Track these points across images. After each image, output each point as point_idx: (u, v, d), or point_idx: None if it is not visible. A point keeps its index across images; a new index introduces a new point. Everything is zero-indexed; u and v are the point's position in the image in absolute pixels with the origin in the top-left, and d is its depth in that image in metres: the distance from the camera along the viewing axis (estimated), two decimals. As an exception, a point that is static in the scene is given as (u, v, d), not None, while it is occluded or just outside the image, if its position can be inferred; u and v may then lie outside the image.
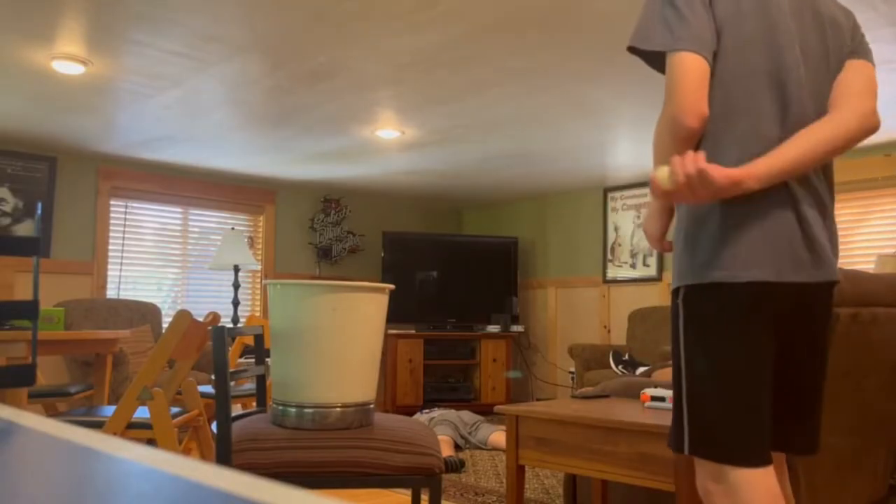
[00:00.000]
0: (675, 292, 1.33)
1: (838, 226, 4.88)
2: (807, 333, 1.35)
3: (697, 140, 1.29)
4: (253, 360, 4.37)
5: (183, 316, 2.44)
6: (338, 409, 1.68)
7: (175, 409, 2.88)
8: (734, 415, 1.23)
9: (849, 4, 2.62)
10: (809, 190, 1.32)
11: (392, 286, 1.78)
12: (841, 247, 4.86)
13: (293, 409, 1.68)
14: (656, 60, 1.34)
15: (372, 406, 1.80)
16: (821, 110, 1.34)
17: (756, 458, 1.23)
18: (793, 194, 1.30)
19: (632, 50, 1.33)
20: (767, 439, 1.26)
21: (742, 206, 1.27)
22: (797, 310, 1.32)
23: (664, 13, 1.28)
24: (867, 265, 4.65)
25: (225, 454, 1.54)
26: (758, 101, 1.29)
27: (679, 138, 1.26)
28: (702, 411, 1.26)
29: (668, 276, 5.73)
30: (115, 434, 2.36)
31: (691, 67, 1.24)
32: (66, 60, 3.23)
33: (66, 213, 5.05)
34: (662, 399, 2.12)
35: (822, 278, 1.29)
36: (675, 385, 1.31)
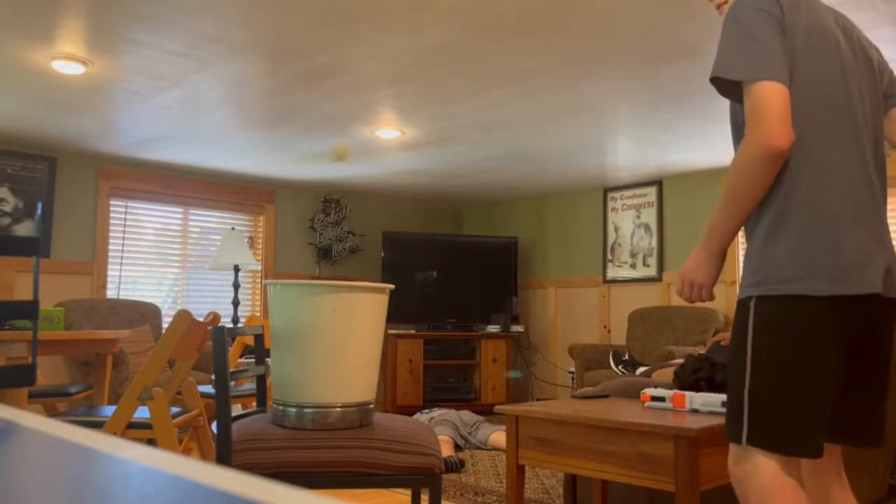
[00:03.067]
0: (747, 300, 1.44)
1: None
2: (876, 338, 1.48)
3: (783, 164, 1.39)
4: (253, 360, 4.38)
5: (183, 316, 2.44)
6: (338, 409, 1.68)
7: (175, 409, 2.88)
8: (795, 412, 1.37)
9: (849, 4, 2.63)
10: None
11: (392, 286, 1.78)
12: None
13: (293, 409, 1.68)
14: (732, 91, 1.44)
15: (372, 406, 1.80)
16: (878, 143, 1.50)
17: (811, 450, 1.36)
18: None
19: (715, 80, 1.43)
20: (822, 434, 1.39)
21: (819, 221, 1.40)
22: (872, 315, 1.45)
23: (745, 45, 1.39)
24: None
25: (225, 454, 1.53)
26: (835, 132, 1.42)
27: (771, 162, 1.36)
28: (763, 408, 1.39)
29: (668, 275, 5.73)
30: (115, 434, 2.36)
31: (777, 95, 1.35)
32: (66, 60, 3.23)
33: (66, 213, 5.05)
34: (663, 399, 2.12)
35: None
36: (737, 382, 1.43)
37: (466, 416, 4.65)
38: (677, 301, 5.68)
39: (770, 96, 1.34)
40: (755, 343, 1.41)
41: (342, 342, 1.67)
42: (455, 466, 3.78)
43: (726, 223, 1.44)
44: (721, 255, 1.51)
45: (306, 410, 1.67)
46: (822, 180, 1.39)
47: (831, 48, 1.45)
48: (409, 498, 2.91)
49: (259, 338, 2.02)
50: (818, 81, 1.42)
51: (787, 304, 1.38)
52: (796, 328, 1.37)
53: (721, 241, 1.48)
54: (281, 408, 1.70)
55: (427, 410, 4.88)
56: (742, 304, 1.45)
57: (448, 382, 6.12)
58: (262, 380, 2.04)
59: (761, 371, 1.39)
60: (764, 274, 1.41)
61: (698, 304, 5.53)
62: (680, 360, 3.61)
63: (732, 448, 1.44)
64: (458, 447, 4.40)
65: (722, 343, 2.55)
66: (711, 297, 1.55)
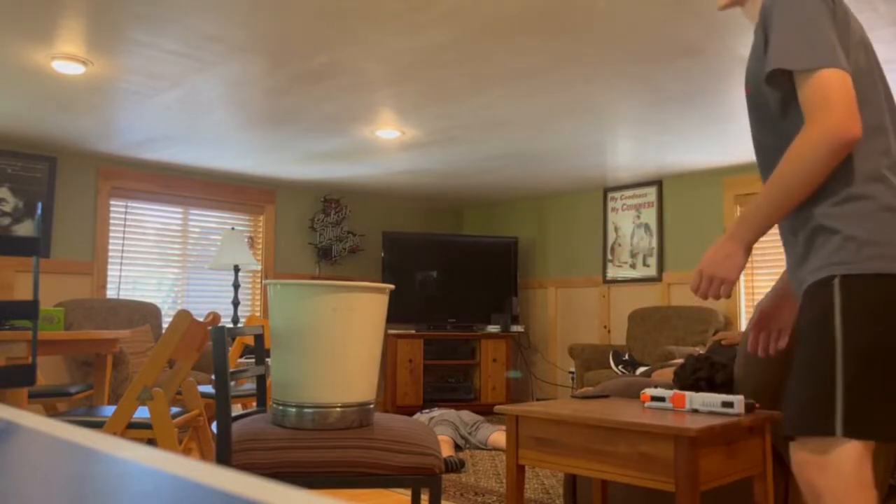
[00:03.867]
0: (829, 279, 1.38)
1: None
2: None
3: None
4: (253, 360, 4.38)
5: (183, 316, 2.44)
6: (338, 409, 1.67)
7: (175, 409, 2.88)
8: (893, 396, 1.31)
9: (850, 5, 2.63)
10: None
11: (392, 286, 1.78)
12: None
13: (293, 409, 1.68)
14: (783, 81, 1.41)
15: (372, 406, 1.80)
16: None
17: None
18: None
19: (777, 73, 1.39)
20: None
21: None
22: None
23: (808, 34, 1.37)
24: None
25: (225, 454, 1.53)
26: (884, 122, 1.41)
27: (839, 150, 1.33)
28: (864, 395, 1.32)
29: (668, 276, 5.73)
30: (115, 434, 2.36)
31: (842, 82, 1.33)
32: (66, 60, 3.23)
33: (66, 213, 5.05)
34: (663, 399, 2.12)
35: None
36: (822, 369, 1.35)
37: (466, 415, 4.64)
38: (677, 301, 5.67)
39: (835, 83, 1.32)
40: (845, 325, 1.32)
41: (342, 342, 1.67)
42: (455, 466, 3.78)
43: (771, 213, 1.39)
44: (750, 249, 1.44)
45: (306, 410, 1.67)
46: (889, 161, 1.38)
47: (867, 43, 1.46)
48: (409, 498, 2.91)
49: (259, 338, 2.01)
50: (866, 75, 1.42)
51: (877, 282, 1.32)
52: (891, 307, 1.30)
53: (757, 233, 1.42)
54: (281, 408, 1.70)
55: (427, 410, 4.88)
56: (821, 285, 1.37)
57: (448, 382, 6.12)
58: (262, 380, 2.04)
59: (856, 355, 1.31)
60: (849, 251, 1.34)
61: (699, 303, 5.52)
62: (680, 360, 3.61)
63: (808, 441, 1.36)
64: (457, 447, 4.39)
65: (723, 343, 2.54)
66: (729, 295, 1.46)
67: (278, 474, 1.57)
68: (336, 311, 1.65)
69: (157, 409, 2.42)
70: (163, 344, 2.42)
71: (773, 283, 1.71)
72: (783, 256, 5.04)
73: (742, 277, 5.33)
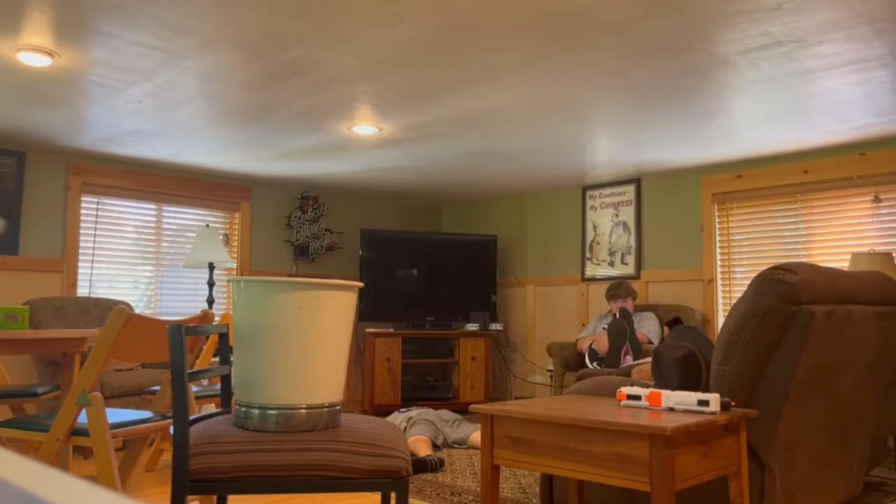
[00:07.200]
0: None
1: (813, 224, 4.90)
2: None
3: None
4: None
5: (118, 313, 2.34)
6: (303, 410, 1.62)
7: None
8: None
9: (825, 3, 2.62)
10: None
11: (361, 284, 1.73)
12: (816, 244, 4.88)
13: (256, 411, 1.62)
14: None
15: (339, 407, 1.75)
16: None
17: None
18: None
19: None
20: None
21: None
22: None
23: None
24: (842, 263, 4.67)
25: (182, 457, 1.48)
26: None
27: None
28: None
29: (646, 274, 5.73)
30: (58, 440, 2.25)
31: None
32: (33, 52, 3.14)
33: (36, 210, 4.94)
34: (639, 397, 2.09)
35: None
36: None
37: (446, 414, 4.61)
38: (655, 299, 5.68)
39: None
40: None
41: (308, 342, 1.62)
42: (434, 466, 3.75)
43: None
44: None
45: (270, 412, 1.61)
46: None
47: None
48: (378, 497, 2.86)
49: (224, 336, 1.96)
50: None
51: None
52: None
53: None
54: (244, 409, 1.64)
55: (405, 409, 4.84)
56: None
57: (426, 381, 6.08)
58: (226, 380, 1.99)
59: None
60: None
61: (677, 301, 5.53)
62: (648, 360, 3.59)
63: None
64: (436, 446, 4.36)
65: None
66: None
67: (237, 478, 1.51)
68: (301, 310, 1.60)
69: (93, 414, 2.31)
70: (99, 344, 2.32)
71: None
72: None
73: (719, 277, 5.34)
